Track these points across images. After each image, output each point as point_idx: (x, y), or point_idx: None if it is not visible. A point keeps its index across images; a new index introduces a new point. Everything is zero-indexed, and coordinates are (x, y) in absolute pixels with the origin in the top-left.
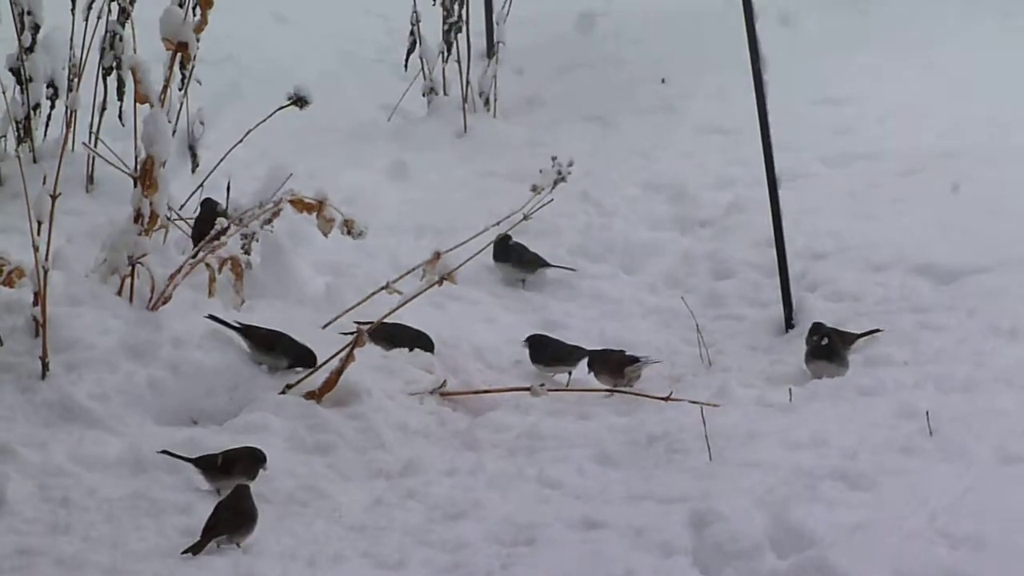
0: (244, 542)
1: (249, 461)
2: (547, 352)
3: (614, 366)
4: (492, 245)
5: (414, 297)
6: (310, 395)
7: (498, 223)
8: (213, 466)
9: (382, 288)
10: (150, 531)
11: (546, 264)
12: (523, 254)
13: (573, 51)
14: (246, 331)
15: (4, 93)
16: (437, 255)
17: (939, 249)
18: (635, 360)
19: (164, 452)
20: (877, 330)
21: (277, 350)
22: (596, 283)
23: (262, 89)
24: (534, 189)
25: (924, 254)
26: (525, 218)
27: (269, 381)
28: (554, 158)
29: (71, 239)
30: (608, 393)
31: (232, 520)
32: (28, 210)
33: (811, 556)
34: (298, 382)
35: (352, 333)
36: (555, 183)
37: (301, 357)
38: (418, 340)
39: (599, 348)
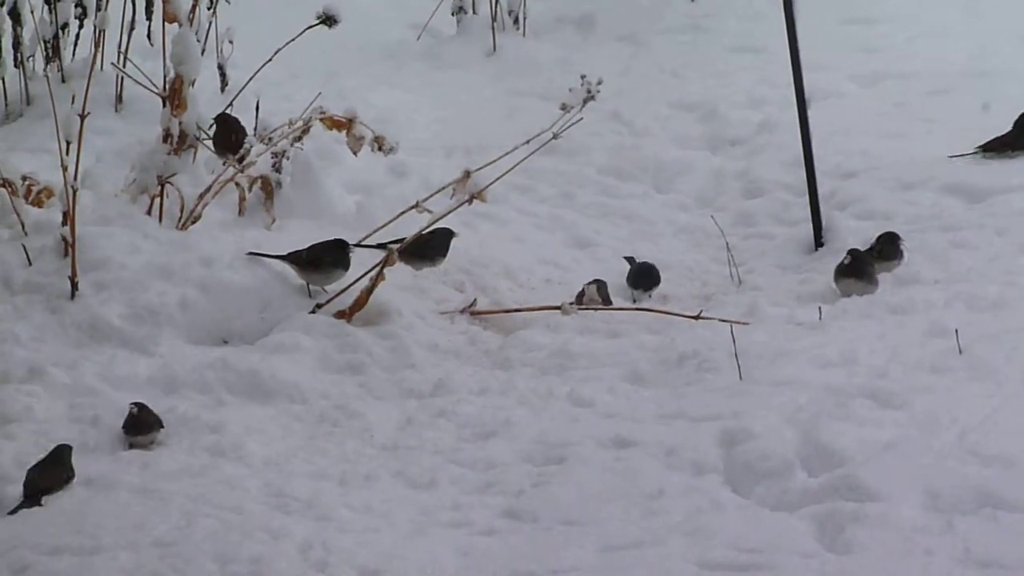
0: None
1: (335, 254)
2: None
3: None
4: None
5: (444, 215)
6: (340, 314)
7: (527, 142)
8: (301, 260)
9: (412, 207)
10: (180, 450)
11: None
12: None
13: None
14: (288, 257)
15: (32, 13)
16: (467, 173)
17: (969, 168)
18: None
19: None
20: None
21: (320, 265)
22: (627, 202)
23: (291, 8)
24: (563, 108)
25: (954, 173)
26: (555, 137)
27: (299, 300)
28: (583, 76)
29: (100, 159)
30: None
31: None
32: (57, 130)
33: (842, 474)
34: (328, 301)
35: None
36: (584, 102)
37: (335, 255)
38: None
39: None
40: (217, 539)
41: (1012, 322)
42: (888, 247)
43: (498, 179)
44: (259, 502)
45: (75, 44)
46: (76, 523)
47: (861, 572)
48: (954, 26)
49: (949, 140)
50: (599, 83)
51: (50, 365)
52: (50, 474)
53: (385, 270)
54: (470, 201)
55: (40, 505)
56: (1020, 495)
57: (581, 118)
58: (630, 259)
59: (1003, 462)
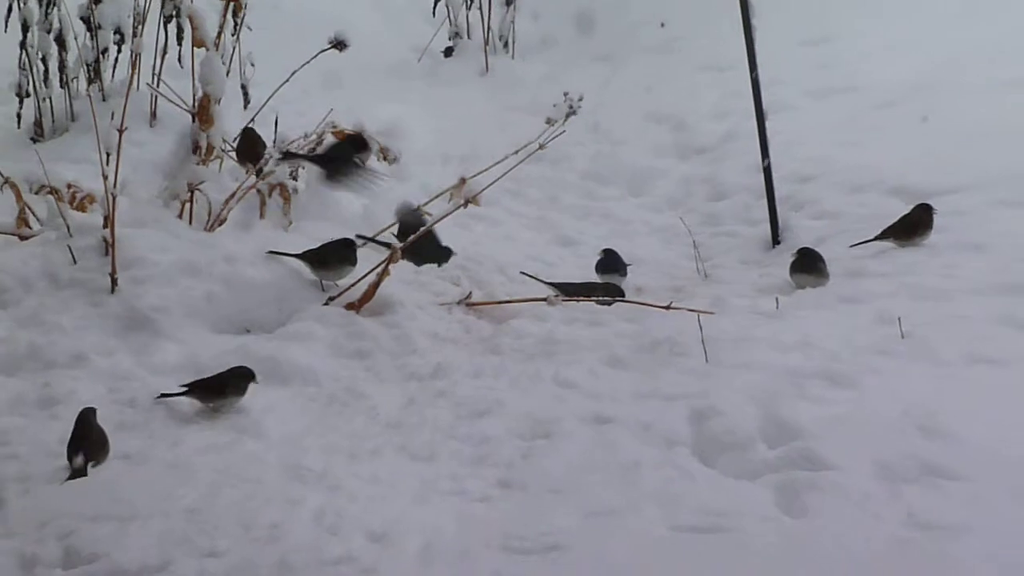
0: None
1: (343, 252)
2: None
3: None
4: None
5: (442, 218)
6: (350, 306)
7: (516, 151)
8: (313, 258)
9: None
10: (207, 429)
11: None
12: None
13: None
14: (303, 256)
15: (76, 39)
16: (463, 180)
17: (912, 172)
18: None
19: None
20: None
21: (330, 262)
22: (606, 204)
23: (305, 34)
24: (548, 122)
25: (898, 177)
26: (541, 147)
27: (313, 294)
28: (566, 94)
29: (136, 168)
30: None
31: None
32: (98, 143)
33: (798, 447)
34: (339, 295)
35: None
36: (567, 116)
37: (344, 253)
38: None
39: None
40: (240, 507)
41: (950, 310)
42: (925, 217)
43: (490, 185)
44: (277, 474)
45: (114, 67)
46: (114, 493)
47: (815, 534)
48: (896, 46)
49: (893, 148)
50: (580, 99)
51: (92, 352)
52: (94, 441)
53: (390, 266)
54: (465, 205)
55: (86, 475)
56: (958, 465)
57: (564, 131)
58: (606, 254)
59: (943, 435)
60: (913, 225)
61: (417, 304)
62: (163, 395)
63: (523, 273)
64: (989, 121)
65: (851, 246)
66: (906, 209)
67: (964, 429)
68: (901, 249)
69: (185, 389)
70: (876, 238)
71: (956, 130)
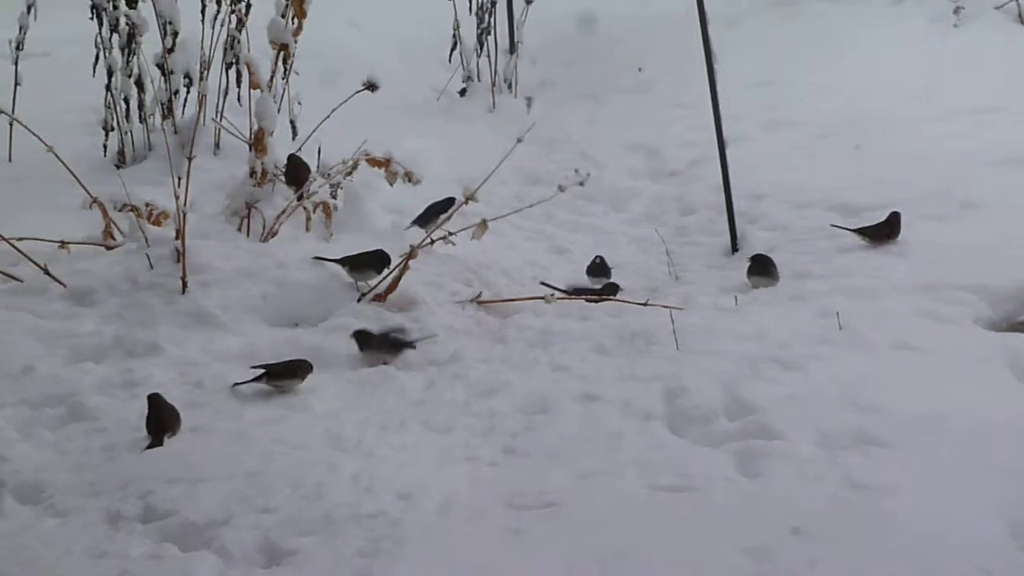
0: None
1: (377, 262)
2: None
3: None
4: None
5: (457, 232)
6: (377, 297)
7: (531, 205)
8: (350, 263)
9: (438, 228)
10: (264, 405)
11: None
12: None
13: (574, 47)
14: (342, 261)
15: (152, 82)
16: (484, 223)
17: (847, 192)
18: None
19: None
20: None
21: (364, 266)
22: (592, 219)
23: (343, 78)
24: (560, 188)
25: (835, 196)
26: (561, 189)
27: (350, 294)
28: (576, 170)
29: (202, 190)
30: (600, 300)
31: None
32: (171, 169)
33: (753, 420)
34: (370, 291)
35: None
36: (578, 183)
37: (379, 260)
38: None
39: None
40: (290, 470)
41: (879, 306)
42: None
43: (498, 219)
44: (321, 443)
45: (184, 105)
46: (185, 460)
47: (767, 492)
48: (832, 88)
49: (831, 172)
50: (588, 175)
51: (166, 343)
52: (168, 417)
53: (410, 262)
54: (481, 230)
55: (162, 445)
56: (886, 435)
57: (563, 189)
58: (597, 261)
59: (874, 410)
60: (891, 228)
61: (436, 302)
62: (237, 384)
63: (543, 283)
64: (910, 149)
65: (832, 225)
66: (844, 221)
67: (891, 404)
68: (837, 254)
69: (259, 375)
70: (855, 230)
71: (883, 156)
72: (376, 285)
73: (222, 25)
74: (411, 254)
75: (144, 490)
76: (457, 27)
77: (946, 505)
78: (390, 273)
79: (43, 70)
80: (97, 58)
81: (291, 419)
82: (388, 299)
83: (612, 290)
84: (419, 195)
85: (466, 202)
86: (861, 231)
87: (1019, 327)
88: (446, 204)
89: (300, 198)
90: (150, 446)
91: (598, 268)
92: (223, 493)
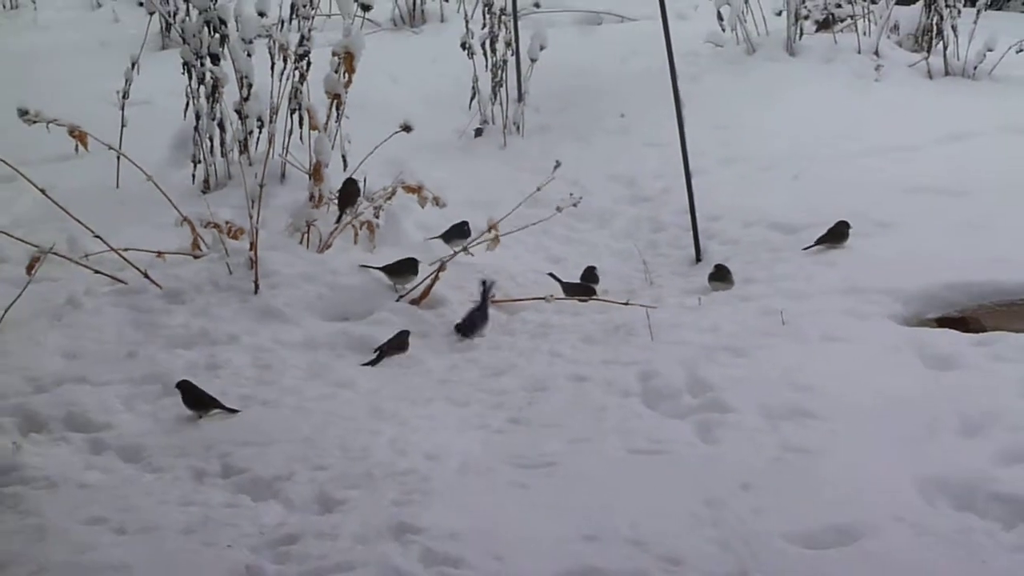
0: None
1: (410, 267)
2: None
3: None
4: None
5: (474, 242)
6: (413, 301)
7: (523, 201)
8: (390, 269)
9: (461, 249)
10: (321, 383)
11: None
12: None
13: (569, 97)
14: (384, 268)
15: (231, 124)
16: (497, 239)
17: (786, 213)
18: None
19: (363, 266)
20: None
21: (401, 272)
22: (583, 234)
23: (384, 121)
24: (558, 209)
25: (776, 216)
26: (559, 210)
27: (389, 294)
28: (571, 194)
29: (271, 211)
30: (589, 300)
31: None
32: (246, 194)
33: (711, 397)
34: (407, 294)
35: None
36: (571, 205)
37: (411, 266)
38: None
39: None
40: (340, 436)
41: (812, 305)
42: (842, 232)
43: (513, 231)
44: (365, 414)
45: (256, 143)
46: (255, 427)
47: (723, 455)
48: (776, 129)
49: (773, 197)
50: (579, 199)
51: (242, 334)
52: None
53: (440, 274)
54: (494, 244)
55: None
56: (818, 409)
57: (560, 210)
58: (589, 268)
59: (807, 389)
60: (840, 234)
61: (458, 301)
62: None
63: (550, 275)
64: (838, 179)
65: (804, 248)
66: (782, 237)
67: (822, 384)
68: (778, 264)
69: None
70: (816, 243)
71: (816, 185)
72: (412, 289)
73: (287, 79)
74: (441, 267)
75: (223, 451)
76: (475, 80)
77: (865, 466)
78: (423, 282)
79: (144, 115)
80: (187, 105)
81: (341, 395)
82: (422, 302)
83: (592, 278)
84: (444, 215)
85: (489, 230)
86: (820, 240)
87: (926, 323)
88: (463, 225)
89: (339, 219)
90: (197, 417)
91: (589, 275)
92: (286, 454)
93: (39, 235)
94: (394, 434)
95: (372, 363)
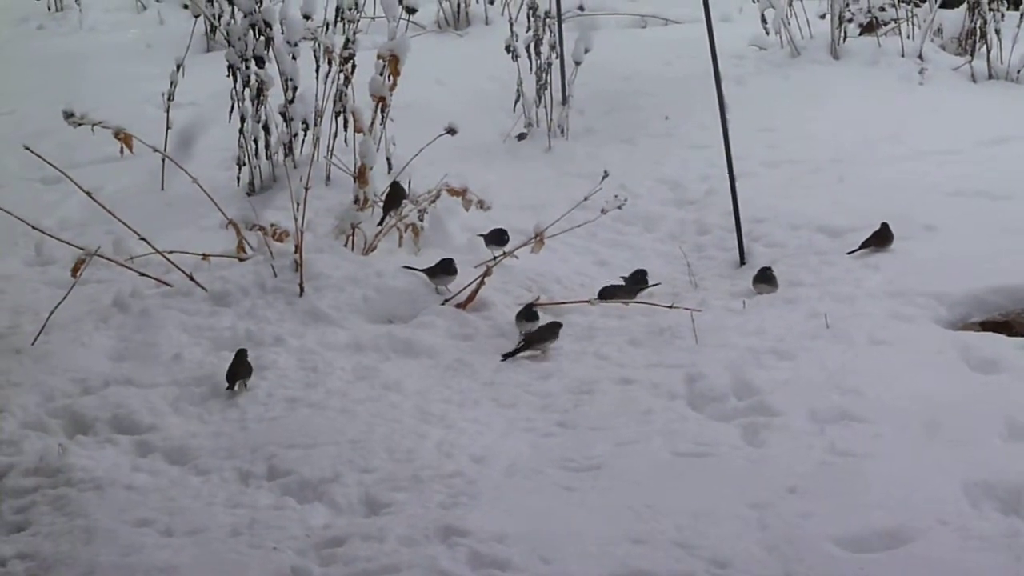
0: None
1: (449, 267)
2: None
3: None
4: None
5: (519, 248)
6: (459, 305)
7: (572, 208)
8: (432, 271)
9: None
10: (367, 385)
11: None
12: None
13: (614, 100)
14: (426, 270)
15: (277, 127)
16: (541, 240)
17: (831, 216)
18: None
19: (406, 267)
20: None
21: (438, 274)
22: (629, 238)
23: (429, 123)
24: (603, 211)
25: (822, 219)
26: (603, 212)
27: (434, 297)
28: (616, 195)
29: (317, 213)
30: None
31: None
32: (291, 196)
33: (757, 400)
34: (453, 297)
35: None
36: (616, 207)
37: (448, 266)
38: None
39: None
40: (386, 439)
41: (857, 308)
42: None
43: (558, 234)
44: (411, 416)
45: (302, 145)
46: (302, 430)
47: (769, 458)
48: (821, 132)
49: (819, 200)
50: (625, 200)
51: (287, 336)
52: (242, 368)
53: (486, 279)
54: (538, 247)
55: (234, 390)
56: (864, 412)
57: (605, 212)
58: (639, 271)
59: (853, 392)
60: (885, 237)
61: (504, 304)
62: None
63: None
64: (882, 182)
65: (848, 253)
66: (829, 240)
67: (868, 388)
68: (824, 267)
69: (521, 345)
70: (861, 247)
71: (860, 188)
72: (457, 293)
73: (332, 82)
74: (487, 272)
75: (269, 453)
76: (520, 83)
77: (911, 469)
78: (469, 285)
79: (190, 117)
80: (232, 108)
81: (387, 397)
82: (467, 306)
83: (642, 281)
84: (489, 218)
85: (536, 237)
86: (865, 243)
87: (971, 326)
88: (502, 233)
89: (382, 221)
90: (229, 388)
91: (638, 277)
92: (332, 456)
93: (85, 237)
94: (440, 436)
95: (513, 354)
